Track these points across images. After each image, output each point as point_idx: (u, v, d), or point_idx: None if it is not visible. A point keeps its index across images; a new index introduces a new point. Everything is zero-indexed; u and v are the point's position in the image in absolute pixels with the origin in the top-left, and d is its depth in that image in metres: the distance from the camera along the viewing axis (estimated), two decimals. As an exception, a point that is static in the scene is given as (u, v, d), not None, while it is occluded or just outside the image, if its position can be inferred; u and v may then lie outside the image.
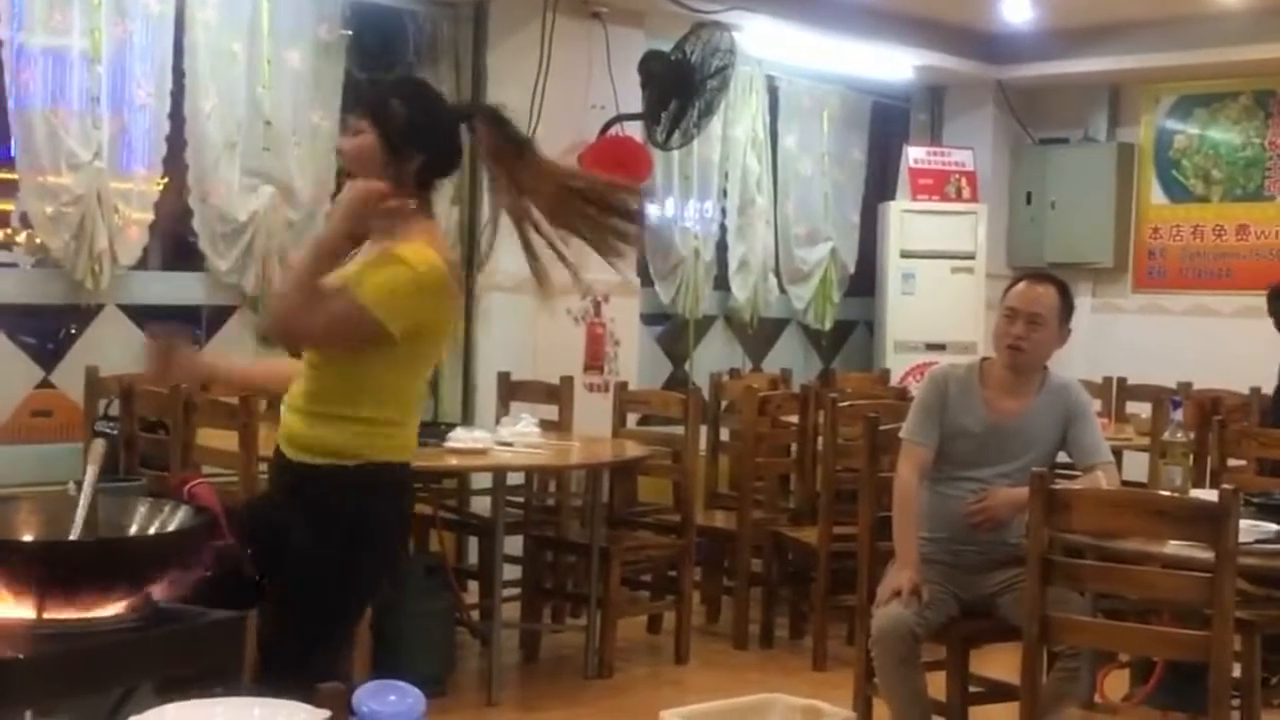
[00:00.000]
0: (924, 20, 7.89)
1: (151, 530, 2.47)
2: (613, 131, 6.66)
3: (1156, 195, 8.59)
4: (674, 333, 7.76)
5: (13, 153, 5.28)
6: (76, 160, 5.29)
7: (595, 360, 6.76)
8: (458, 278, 3.08)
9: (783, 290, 8.05)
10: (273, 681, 2.22)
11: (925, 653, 4.08)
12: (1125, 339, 8.40)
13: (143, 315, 5.77)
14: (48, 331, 5.72)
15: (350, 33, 6.20)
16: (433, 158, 3.05)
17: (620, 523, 5.89)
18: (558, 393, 5.92)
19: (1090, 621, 3.86)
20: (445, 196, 3.17)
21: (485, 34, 6.61)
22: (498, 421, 5.57)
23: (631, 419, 6.32)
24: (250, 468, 4.39)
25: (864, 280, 8.46)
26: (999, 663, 4.32)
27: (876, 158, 8.66)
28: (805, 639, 5.83)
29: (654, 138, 6.82)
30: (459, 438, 4.90)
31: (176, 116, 5.64)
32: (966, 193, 8.35)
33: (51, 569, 2.22)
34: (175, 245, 5.94)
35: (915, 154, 8.41)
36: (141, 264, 5.65)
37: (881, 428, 4.58)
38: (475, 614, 5.62)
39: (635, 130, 6.77)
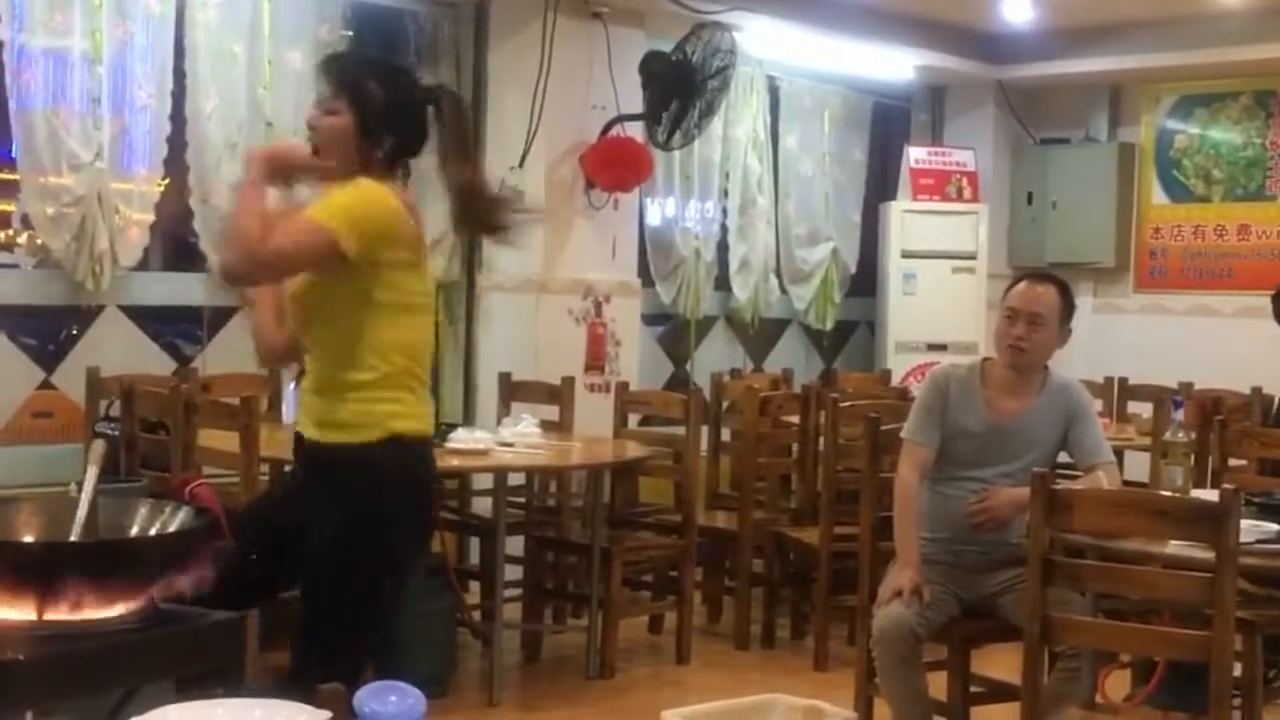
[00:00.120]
0: (924, 20, 7.89)
1: (152, 531, 2.47)
2: (614, 132, 6.66)
3: (1157, 195, 8.59)
4: (675, 333, 7.77)
5: (14, 153, 5.29)
6: (77, 161, 5.30)
7: (596, 361, 6.75)
8: (416, 218, 3.13)
9: (784, 290, 8.05)
10: (312, 675, 2.23)
11: (926, 653, 4.08)
12: (1126, 339, 8.40)
13: (143, 316, 5.78)
14: (49, 332, 5.72)
15: (351, 33, 6.21)
16: (402, 140, 3.11)
17: (621, 523, 5.89)
18: (559, 393, 5.92)
19: (1091, 622, 3.86)
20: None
21: (486, 34, 6.62)
22: (499, 422, 5.57)
23: (633, 419, 6.32)
24: (251, 469, 4.39)
25: (865, 280, 8.46)
26: (1000, 663, 4.31)
27: (877, 158, 8.66)
28: (806, 639, 5.83)
29: (655, 138, 6.82)
30: (460, 438, 4.90)
31: (177, 117, 5.65)
32: (967, 193, 8.35)
33: (52, 570, 2.21)
34: (176, 246, 5.95)
35: (916, 154, 8.41)
36: (142, 265, 5.66)
37: (883, 428, 4.58)
38: (476, 614, 5.62)
39: (636, 130, 6.77)
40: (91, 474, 2.46)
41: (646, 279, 7.28)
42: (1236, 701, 3.68)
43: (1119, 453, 4.80)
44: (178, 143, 5.66)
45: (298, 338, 3.20)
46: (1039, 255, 8.48)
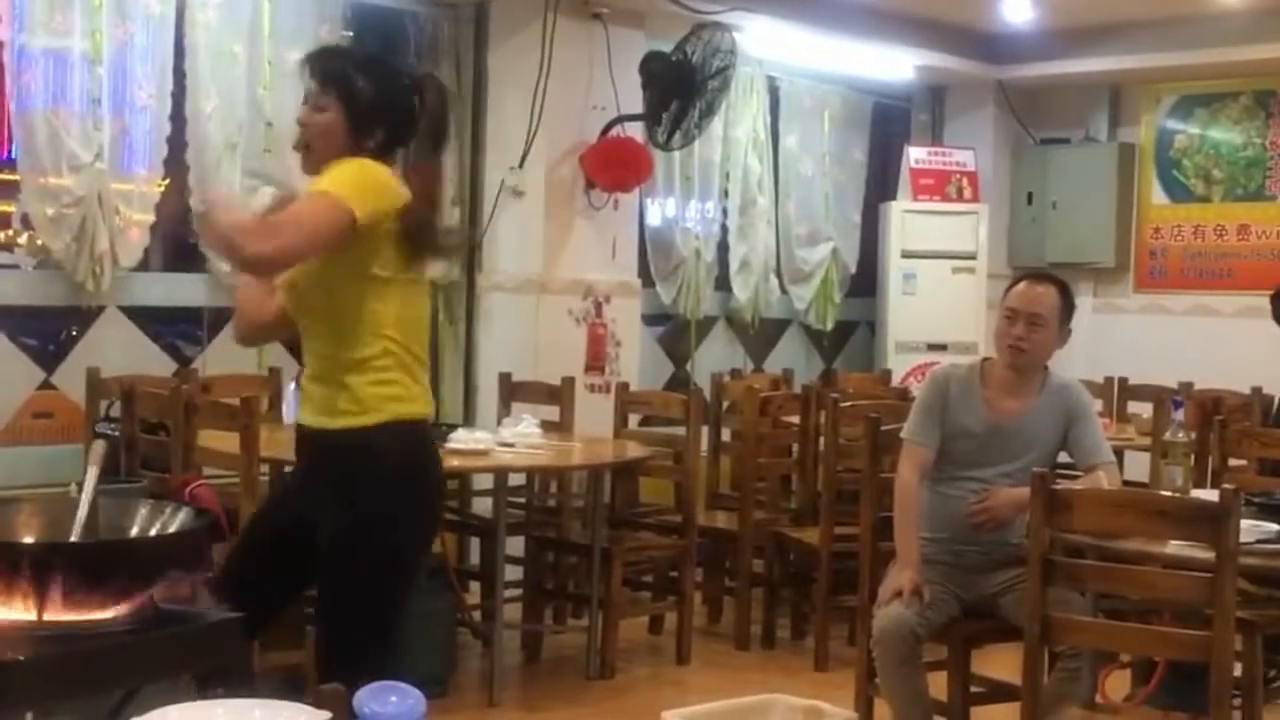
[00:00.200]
0: (924, 20, 7.89)
1: (152, 532, 2.48)
2: (614, 132, 6.66)
3: (1157, 195, 8.59)
4: (675, 333, 7.76)
5: (14, 154, 5.29)
6: (77, 162, 5.30)
7: (596, 361, 6.75)
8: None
9: (784, 290, 8.05)
10: (333, 679, 2.23)
11: (926, 653, 4.08)
12: (1126, 339, 8.40)
13: (143, 317, 5.78)
14: (49, 333, 5.72)
15: (351, 33, 6.21)
16: (392, 132, 3.13)
17: (622, 523, 5.89)
18: (559, 393, 5.91)
19: (1091, 622, 3.86)
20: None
21: (486, 35, 6.62)
22: (499, 422, 5.57)
23: (633, 419, 6.32)
24: (251, 469, 4.38)
25: (865, 280, 8.46)
26: (1000, 663, 4.31)
27: (877, 158, 8.66)
28: (807, 639, 5.83)
29: (655, 138, 6.82)
30: (460, 439, 4.89)
31: (177, 118, 5.65)
32: (967, 193, 8.35)
33: (52, 571, 2.22)
34: (176, 247, 5.95)
35: (916, 154, 8.41)
36: (143, 265, 5.66)
37: (883, 428, 4.58)
38: (477, 615, 5.63)
39: (636, 131, 6.77)
40: (92, 474, 2.46)
41: (647, 279, 7.28)
42: (1236, 702, 3.68)
43: (1119, 453, 4.80)
44: (178, 143, 5.66)
45: (291, 318, 3.20)
46: (1039, 255, 8.48)
